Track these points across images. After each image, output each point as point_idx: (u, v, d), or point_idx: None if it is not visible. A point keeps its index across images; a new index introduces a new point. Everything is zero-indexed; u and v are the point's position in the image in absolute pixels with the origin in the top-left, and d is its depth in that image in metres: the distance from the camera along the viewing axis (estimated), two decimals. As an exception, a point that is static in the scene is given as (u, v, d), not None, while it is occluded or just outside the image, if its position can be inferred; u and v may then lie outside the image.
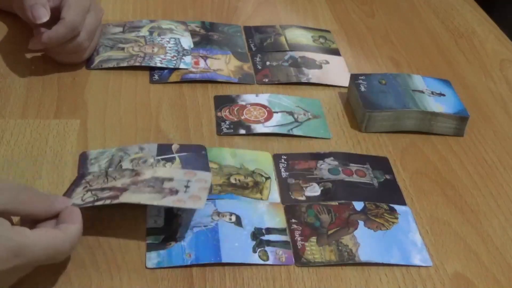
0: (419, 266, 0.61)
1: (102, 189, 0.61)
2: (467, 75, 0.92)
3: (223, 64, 0.87)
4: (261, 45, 0.93)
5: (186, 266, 0.58)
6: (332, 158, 0.72)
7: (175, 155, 0.69)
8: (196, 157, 0.69)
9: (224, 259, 0.59)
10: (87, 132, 0.73)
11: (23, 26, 0.85)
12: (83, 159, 0.68)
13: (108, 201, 0.58)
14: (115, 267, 0.57)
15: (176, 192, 0.60)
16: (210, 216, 0.63)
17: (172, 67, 0.84)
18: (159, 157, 0.69)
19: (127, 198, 0.58)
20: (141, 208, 0.62)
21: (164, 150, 0.70)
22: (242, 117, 0.78)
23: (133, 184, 0.61)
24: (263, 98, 0.81)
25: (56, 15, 0.78)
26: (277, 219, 0.64)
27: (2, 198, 0.53)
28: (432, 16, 1.07)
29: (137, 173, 0.63)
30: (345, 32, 1.00)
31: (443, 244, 0.64)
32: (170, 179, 0.62)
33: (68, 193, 0.62)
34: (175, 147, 0.70)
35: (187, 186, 0.61)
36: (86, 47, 0.81)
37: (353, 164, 0.72)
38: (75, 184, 0.64)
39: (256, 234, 0.62)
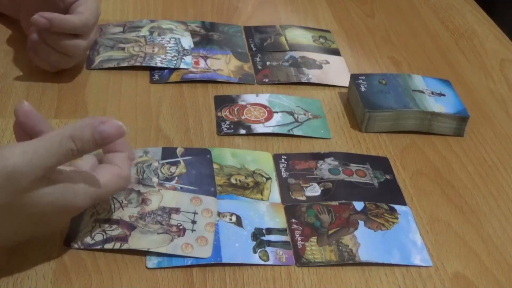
0: (419, 266, 0.61)
1: (110, 222, 0.60)
2: (467, 75, 0.92)
3: (223, 64, 0.87)
4: (261, 45, 0.93)
5: (186, 267, 0.58)
6: (332, 158, 0.72)
7: (180, 158, 0.69)
8: (200, 161, 0.69)
9: (225, 260, 0.59)
10: (87, 132, 0.73)
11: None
12: None
13: (117, 245, 0.58)
14: (115, 267, 0.57)
15: (184, 231, 0.60)
16: (210, 216, 0.63)
17: (173, 67, 0.84)
18: (164, 161, 0.69)
19: (136, 243, 0.59)
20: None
21: (168, 153, 0.70)
22: (242, 117, 0.78)
23: (141, 218, 0.61)
24: (263, 98, 0.81)
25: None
26: (278, 219, 0.64)
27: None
28: (432, 16, 1.07)
29: (144, 199, 0.63)
30: (345, 32, 1.00)
31: (443, 244, 0.64)
32: (177, 210, 0.62)
33: (77, 220, 0.61)
34: (179, 150, 0.70)
35: (193, 222, 0.61)
36: (80, 53, 0.79)
37: (353, 164, 0.72)
38: None
39: (257, 234, 0.62)
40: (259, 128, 0.76)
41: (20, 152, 0.50)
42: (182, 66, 0.85)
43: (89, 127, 0.53)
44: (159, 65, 0.84)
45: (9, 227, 0.52)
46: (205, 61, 0.87)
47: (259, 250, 0.60)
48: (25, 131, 0.56)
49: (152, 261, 0.58)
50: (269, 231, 0.62)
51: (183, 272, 0.58)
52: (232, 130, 0.75)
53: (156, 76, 0.83)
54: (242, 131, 0.75)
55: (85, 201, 0.54)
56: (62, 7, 0.78)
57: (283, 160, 0.71)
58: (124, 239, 0.59)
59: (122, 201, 0.63)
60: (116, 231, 0.60)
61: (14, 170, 0.49)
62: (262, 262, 0.59)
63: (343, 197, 0.67)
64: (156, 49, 0.87)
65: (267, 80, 0.85)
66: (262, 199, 0.66)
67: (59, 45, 0.77)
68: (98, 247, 0.58)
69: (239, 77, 0.85)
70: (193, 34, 0.93)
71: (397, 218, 0.65)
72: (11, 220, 0.52)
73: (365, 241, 0.62)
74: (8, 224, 0.52)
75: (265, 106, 0.80)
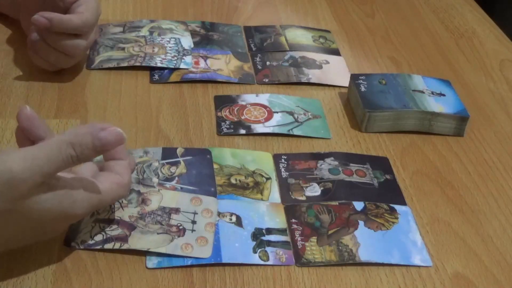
0: (419, 266, 0.61)
1: (110, 222, 0.61)
2: (467, 75, 0.92)
3: (223, 64, 0.87)
4: (261, 45, 0.93)
5: (186, 267, 0.58)
6: (332, 158, 0.72)
7: (180, 159, 0.69)
8: (200, 161, 0.69)
9: (225, 260, 0.59)
10: (87, 132, 0.73)
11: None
12: None
13: (117, 245, 0.58)
14: (115, 267, 0.57)
15: (184, 231, 0.60)
16: (210, 216, 0.63)
17: (173, 67, 0.84)
18: (164, 161, 0.69)
19: (136, 243, 0.59)
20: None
21: (168, 153, 0.70)
22: (242, 117, 0.78)
23: (141, 218, 0.61)
24: (263, 98, 0.81)
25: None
26: (278, 219, 0.64)
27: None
28: (432, 16, 1.07)
29: (144, 199, 0.63)
30: (345, 32, 1.00)
31: (443, 244, 0.64)
32: (177, 210, 0.62)
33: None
34: (179, 150, 0.70)
35: (193, 222, 0.61)
36: (80, 53, 0.79)
37: (353, 164, 0.72)
38: None
39: (257, 234, 0.62)
40: (259, 128, 0.76)
41: (19, 158, 0.50)
42: (182, 66, 0.85)
43: (89, 134, 0.53)
44: (159, 65, 0.84)
45: (8, 233, 0.52)
46: (205, 61, 0.87)
47: (259, 250, 0.60)
48: (26, 136, 0.56)
49: (152, 261, 0.58)
50: (269, 231, 0.62)
51: (183, 272, 0.58)
52: (232, 130, 0.75)
53: (156, 76, 0.83)
54: (242, 131, 0.75)
55: (84, 208, 0.54)
56: (62, 7, 0.78)
57: (283, 160, 0.71)
58: (124, 239, 0.59)
59: (122, 201, 0.63)
60: (116, 231, 0.60)
61: (13, 176, 0.49)
62: (262, 262, 0.59)
63: (343, 197, 0.67)
64: (156, 49, 0.87)
65: (267, 80, 0.85)
66: (262, 199, 0.66)
67: (59, 45, 0.77)
68: (98, 247, 0.58)
69: (239, 77, 0.85)
70: (193, 34, 0.93)
71: (397, 218, 0.65)
72: (9, 225, 0.52)
73: (365, 241, 0.62)
74: (6, 230, 0.52)
75: (265, 106, 0.80)
